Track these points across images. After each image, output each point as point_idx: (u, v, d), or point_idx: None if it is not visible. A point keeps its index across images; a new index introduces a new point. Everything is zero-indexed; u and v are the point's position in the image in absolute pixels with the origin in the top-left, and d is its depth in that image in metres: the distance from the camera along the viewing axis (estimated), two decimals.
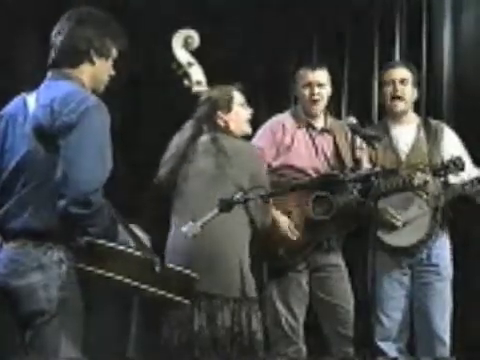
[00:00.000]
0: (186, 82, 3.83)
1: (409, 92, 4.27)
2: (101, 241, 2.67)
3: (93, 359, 2.85)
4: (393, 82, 4.24)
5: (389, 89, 4.26)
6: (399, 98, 4.25)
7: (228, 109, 3.73)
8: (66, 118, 2.65)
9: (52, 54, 2.87)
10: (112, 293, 3.06)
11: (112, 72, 2.93)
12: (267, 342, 3.69)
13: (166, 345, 3.51)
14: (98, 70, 2.87)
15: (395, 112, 4.30)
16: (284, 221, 4.03)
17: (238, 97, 3.77)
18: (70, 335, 2.69)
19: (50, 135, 2.68)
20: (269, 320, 4.05)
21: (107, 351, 3.73)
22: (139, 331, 3.56)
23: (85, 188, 2.60)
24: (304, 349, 4.12)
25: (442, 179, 4.12)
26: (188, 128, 3.74)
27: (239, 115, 3.76)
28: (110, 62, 2.91)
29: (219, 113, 3.71)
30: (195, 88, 3.82)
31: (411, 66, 4.37)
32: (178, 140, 3.74)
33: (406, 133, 4.29)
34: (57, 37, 2.85)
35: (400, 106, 4.27)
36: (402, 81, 4.24)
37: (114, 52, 2.92)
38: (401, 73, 4.26)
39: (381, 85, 4.36)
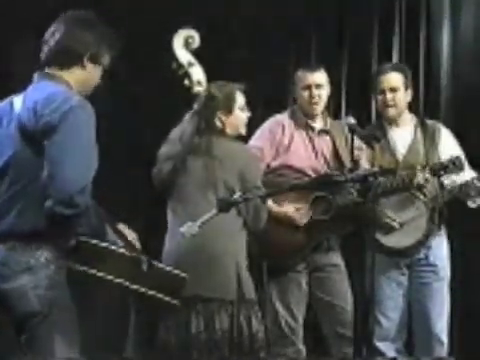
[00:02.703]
0: (186, 82, 3.81)
1: (400, 98, 4.25)
2: (90, 240, 2.67)
3: (91, 359, 2.85)
4: (383, 91, 4.24)
5: (380, 97, 4.27)
6: (390, 106, 4.25)
7: (229, 111, 3.68)
8: (49, 118, 2.63)
9: (44, 53, 2.84)
10: (109, 293, 3.06)
11: (99, 80, 2.90)
12: (267, 342, 3.69)
13: (164, 346, 3.51)
14: (88, 75, 2.85)
15: (387, 117, 4.31)
16: (288, 209, 4.02)
17: (240, 99, 3.72)
18: (65, 334, 2.68)
19: (35, 136, 2.66)
20: (268, 320, 4.04)
21: (105, 351, 3.74)
22: (137, 331, 3.56)
23: (70, 188, 2.58)
24: (303, 349, 4.12)
25: (440, 179, 4.13)
26: (188, 123, 3.69)
27: (238, 119, 3.71)
28: (100, 69, 2.88)
29: (218, 113, 3.68)
30: (196, 88, 3.80)
31: (403, 68, 4.36)
32: (178, 134, 3.69)
33: (403, 134, 4.28)
34: (52, 37, 2.82)
35: (391, 112, 4.27)
36: (392, 89, 4.23)
37: (107, 60, 2.88)
38: (391, 81, 4.24)
39: (375, 89, 4.35)
